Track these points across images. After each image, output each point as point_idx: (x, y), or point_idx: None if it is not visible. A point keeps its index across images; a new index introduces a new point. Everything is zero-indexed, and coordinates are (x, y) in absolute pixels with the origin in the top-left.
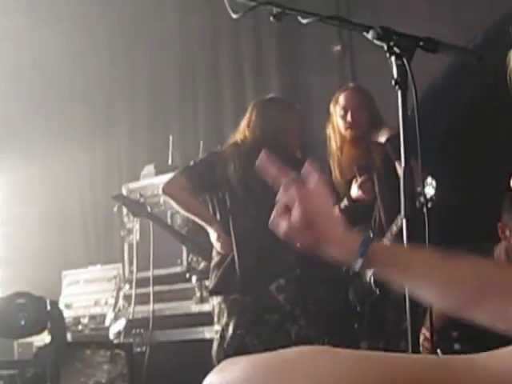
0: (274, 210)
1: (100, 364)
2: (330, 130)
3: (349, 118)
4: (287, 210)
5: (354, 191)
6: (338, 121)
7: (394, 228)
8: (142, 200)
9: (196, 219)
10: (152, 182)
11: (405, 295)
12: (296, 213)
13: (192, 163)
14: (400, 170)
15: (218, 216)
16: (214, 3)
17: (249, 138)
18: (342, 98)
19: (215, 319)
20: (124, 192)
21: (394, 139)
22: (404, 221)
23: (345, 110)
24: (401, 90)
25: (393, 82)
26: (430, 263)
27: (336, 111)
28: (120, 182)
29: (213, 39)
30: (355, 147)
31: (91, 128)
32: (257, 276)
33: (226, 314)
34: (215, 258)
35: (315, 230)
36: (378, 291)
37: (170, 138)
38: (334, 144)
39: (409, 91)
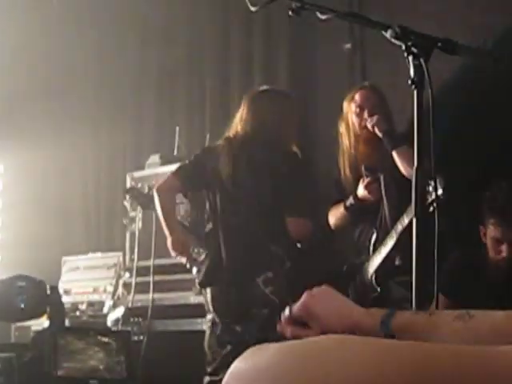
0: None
1: (97, 350)
2: (342, 128)
3: (366, 115)
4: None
5: (361, 191)
6: (352, 118)
7: (400, 227)
8: (151, 193)
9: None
10: (157, 171)
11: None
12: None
13: (186, 162)
14: (397, 159)
15: (209, 209)
16: None
17: (240, 133)
18: (358, 96)
19: (206, 308)
20: (128, 180)
21: (388, 131)
22: (414, 220)
23: (361, 108)
24: (417, 90)
25: (409, 82)
26: (449, 326)
27: (351, 109)
28: (124, 171)
29: (223, 32)
30: (370, 145)
31: (97, 115)
32: (244, 269)
33: (215, 305)
34: (205, 251)
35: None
36: (378, 289)
37: (177, 128)
38: (346, 141)
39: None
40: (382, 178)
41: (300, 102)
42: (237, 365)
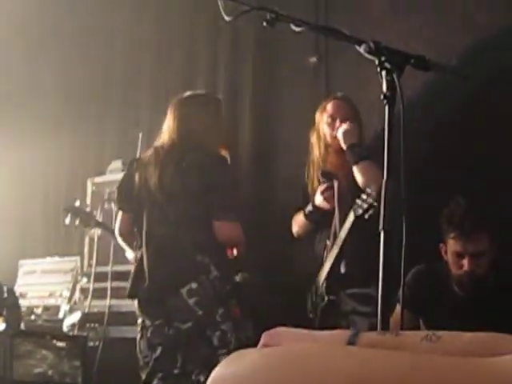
0: None
1: (53, 355)
2: (314, 138)
3: (337, 125)
4: None
5: (318, 198)
6: (324, 129)
7: (342, 234)
8: (89, 209)
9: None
10: (118, 177)
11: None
12: None
13: (116, 190)
14: (358, 176)
15: (135, 220)
16: (192, 5)
17: (167, 141)
18: (330, 106)
19: (137, 313)
20: (89, 185)
21: (353, 146)
22: (382, 233)
23: (332, 117)
24: (388, 105)
25: (381, 97)
26: (416, 347)
27: (323, 119)
28: (86, 175)
29: (188, 43)
30: (340, 156)
31: (60, 118)
32: (166, 280)
33: (143, 310)
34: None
35: None
36: (326, 299)
37: (140, 134)
38: (317, 152)
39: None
40: (335, 184)
41: (265, 113)
42: (219, 370)
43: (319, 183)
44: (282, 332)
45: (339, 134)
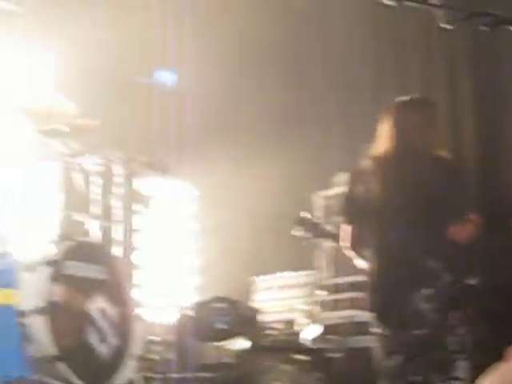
0: None
1: (294, 369)
2: None
3: None
4: None
5: None
6: None
7: None
8: (317, 221)
9: None
10: (345, 189)
11: None
12: None
13: (342, 203)
14: None
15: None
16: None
17: (385, 148)
18: None
19: (372, 323)
20: (319, 198)
21: None
22: None
23: None
24: None
25: None
26: None
27: None
28: (315, 188)
29: (403, 49)
30: None
31: (283, 132)
32: (399, 288)
33: (380, 319)
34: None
35: None
36: None
37: (364, 145)
38: None
39: None
40: None
41: (487, 114)
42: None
43: None
44: None
45: None
